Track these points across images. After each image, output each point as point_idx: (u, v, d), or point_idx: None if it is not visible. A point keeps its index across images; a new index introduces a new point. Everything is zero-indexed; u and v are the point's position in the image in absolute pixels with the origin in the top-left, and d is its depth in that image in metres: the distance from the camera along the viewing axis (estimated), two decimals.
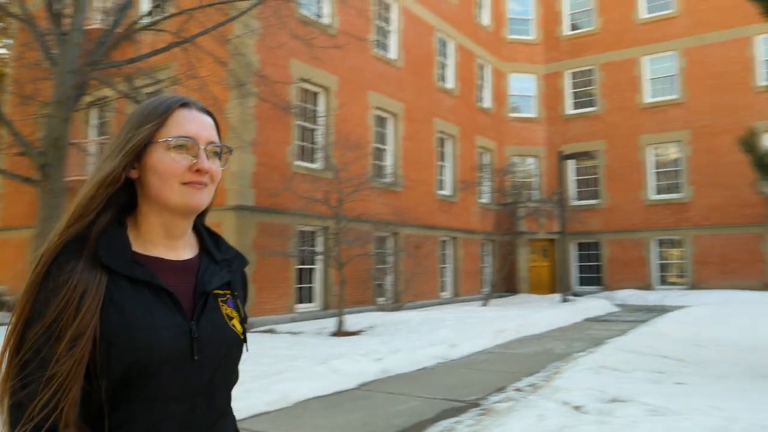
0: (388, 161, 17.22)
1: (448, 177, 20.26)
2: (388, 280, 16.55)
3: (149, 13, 11.75)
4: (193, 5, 9.62)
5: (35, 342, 1.04)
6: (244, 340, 1.26)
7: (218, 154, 1.22)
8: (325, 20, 15.04)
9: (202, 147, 1.18)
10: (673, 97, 21.86)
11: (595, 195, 23.17)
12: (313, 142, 14.43)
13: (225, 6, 9.77)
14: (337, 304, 12.54)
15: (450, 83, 20.61)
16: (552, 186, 22.49)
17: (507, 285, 22.14)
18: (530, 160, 24.23)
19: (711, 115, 21.01)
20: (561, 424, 4.86)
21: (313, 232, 14.22)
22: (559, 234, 20.41)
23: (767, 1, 8.59)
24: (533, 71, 24.59)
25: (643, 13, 22.76)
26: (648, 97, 22.44)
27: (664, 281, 21.76)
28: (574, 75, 24.04)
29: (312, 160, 14.32)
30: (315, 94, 14.71)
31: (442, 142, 20.06)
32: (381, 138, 17.07)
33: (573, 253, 23.36)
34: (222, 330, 1.20)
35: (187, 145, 1.17)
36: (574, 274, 23.35)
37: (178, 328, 1.13)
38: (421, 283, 17.57)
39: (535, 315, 13.68)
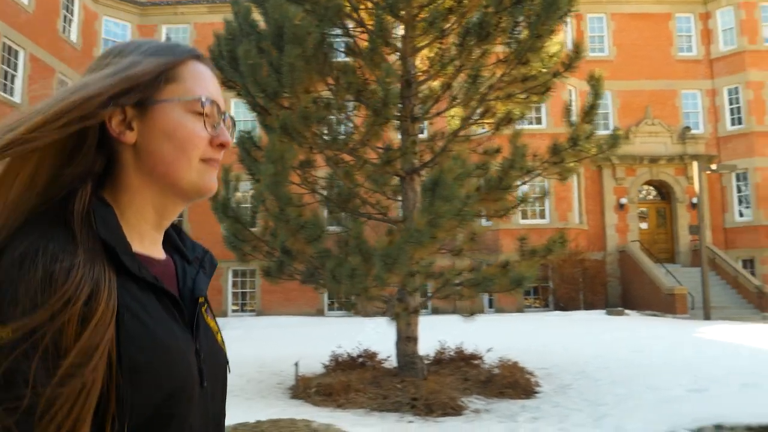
0: None
1: None
2: None
3: None
4: None
5: (12, 365, 0.65)
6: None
7: None
8: None
9: (221, 117, 0.90)
10: None
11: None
12: None
13: None
14: None
15: None
16: None
17: None
18: None
19: None
20: None
21: None
22: None
23: (238, 86, 9.96)
24: None
25: None
26: None
27: (237, 308, 23.92)
28: None
29: None
30: None
31: None
32: None
33: None
34: (216, 348, 0.92)
35: (208, 111, 0.87)
36: None
37: (190, 347, 0.84)
38: None
39: None
